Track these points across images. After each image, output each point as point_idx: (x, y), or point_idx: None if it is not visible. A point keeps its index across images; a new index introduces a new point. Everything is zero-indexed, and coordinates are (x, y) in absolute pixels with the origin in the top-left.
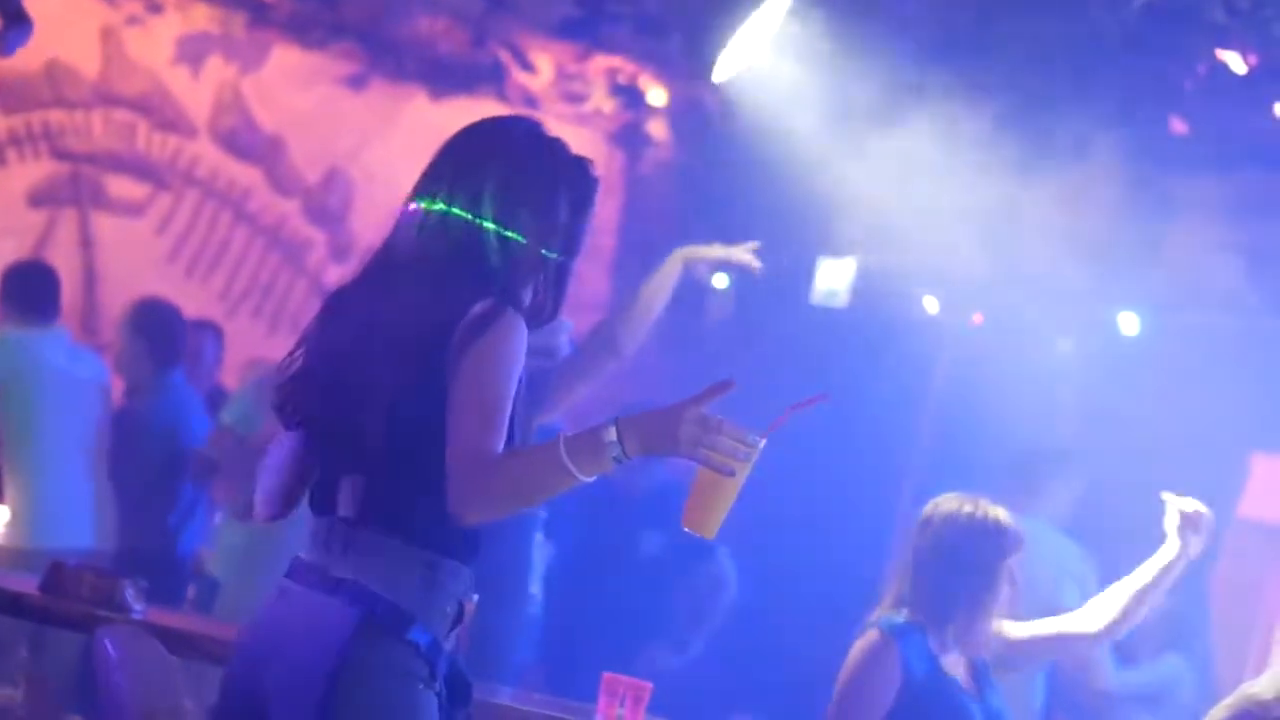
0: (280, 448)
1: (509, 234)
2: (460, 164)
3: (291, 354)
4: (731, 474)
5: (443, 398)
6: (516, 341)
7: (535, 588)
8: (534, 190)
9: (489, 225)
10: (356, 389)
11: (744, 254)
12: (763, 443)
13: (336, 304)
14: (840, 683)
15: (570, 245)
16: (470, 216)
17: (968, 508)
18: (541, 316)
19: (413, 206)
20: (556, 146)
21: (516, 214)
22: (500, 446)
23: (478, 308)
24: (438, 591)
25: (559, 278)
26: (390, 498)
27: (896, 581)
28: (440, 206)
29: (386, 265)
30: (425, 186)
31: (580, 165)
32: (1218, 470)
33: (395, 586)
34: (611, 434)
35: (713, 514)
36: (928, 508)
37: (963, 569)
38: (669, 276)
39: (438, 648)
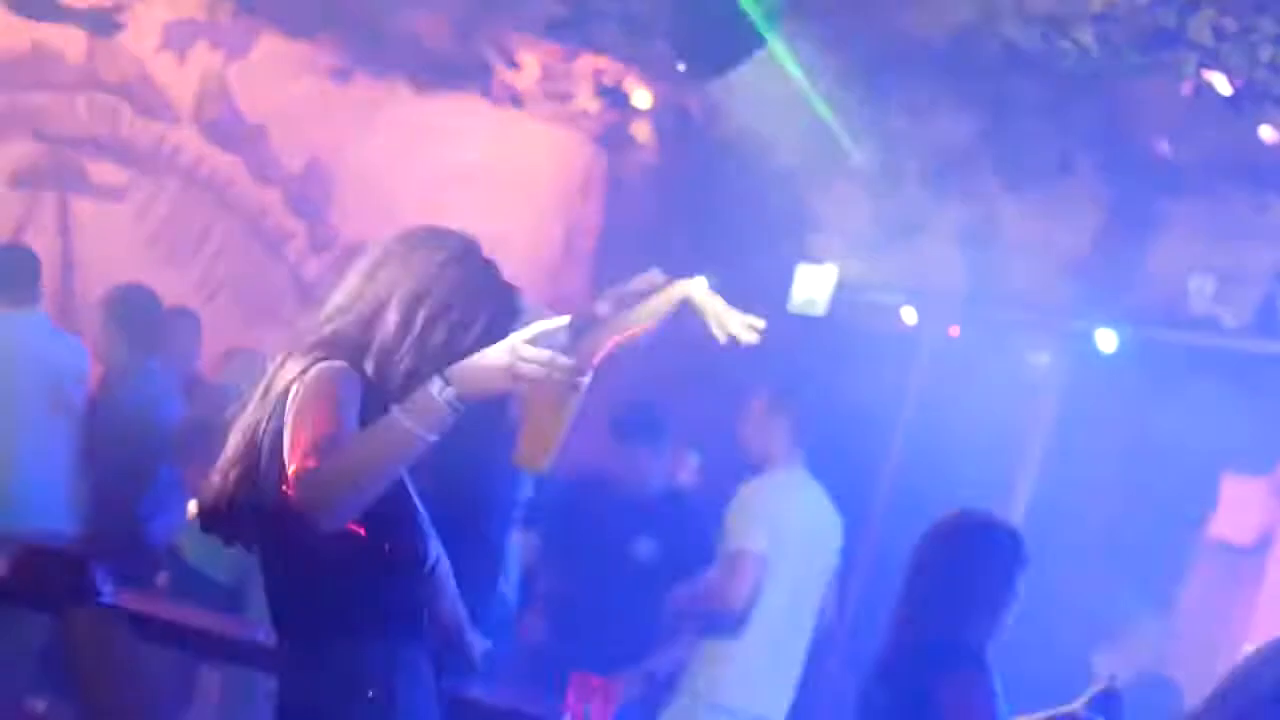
0: None
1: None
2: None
3: None
4: (564, 398)
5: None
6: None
7: (507, 587)
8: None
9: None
10: None
11: (747, 319)
12: (578, 366)
13: None
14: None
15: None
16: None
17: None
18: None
19: None
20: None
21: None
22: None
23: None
24: None
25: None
26: None
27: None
28: None
29: None
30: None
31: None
32: (1188, 490)
33: None
34: (438, 383)
35: (542, 445)
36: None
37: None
38: (662, 309)
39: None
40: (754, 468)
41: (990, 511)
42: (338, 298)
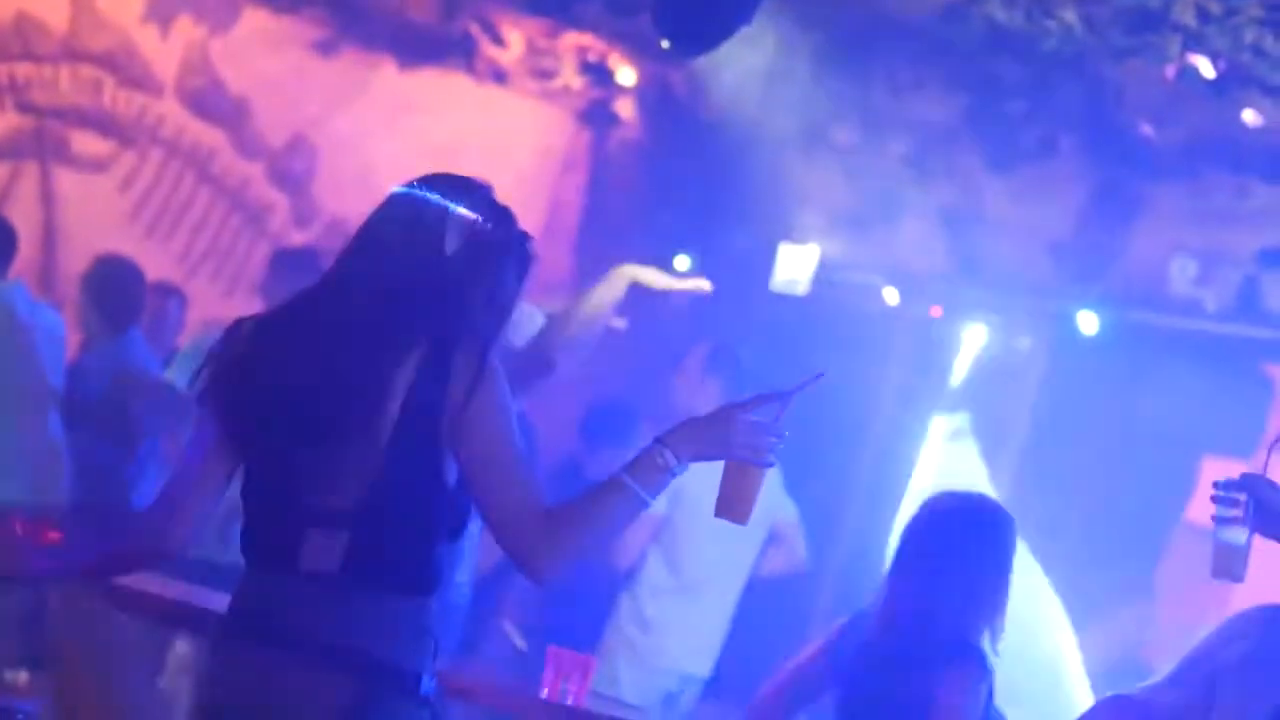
0: (197, 450)
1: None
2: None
3: (238, 360)
4: (771, 465)
5: (430, 441)
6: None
7: (463, 576)
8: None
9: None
10: (343, 431)
11: (694, 283)
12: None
13: (301, 317)
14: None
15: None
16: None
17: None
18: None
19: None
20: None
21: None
22: (542, 496)
23: (459, 359)
24: (426, 636)
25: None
26: (379, 550)
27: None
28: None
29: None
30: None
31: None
32: (1169, 473)
33: (395, 644)
34: (666, 453)
35: (749, 503)
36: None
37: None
38: (612, 293)
39: (438, 691)
40: None
41: (983, 494)
42: None
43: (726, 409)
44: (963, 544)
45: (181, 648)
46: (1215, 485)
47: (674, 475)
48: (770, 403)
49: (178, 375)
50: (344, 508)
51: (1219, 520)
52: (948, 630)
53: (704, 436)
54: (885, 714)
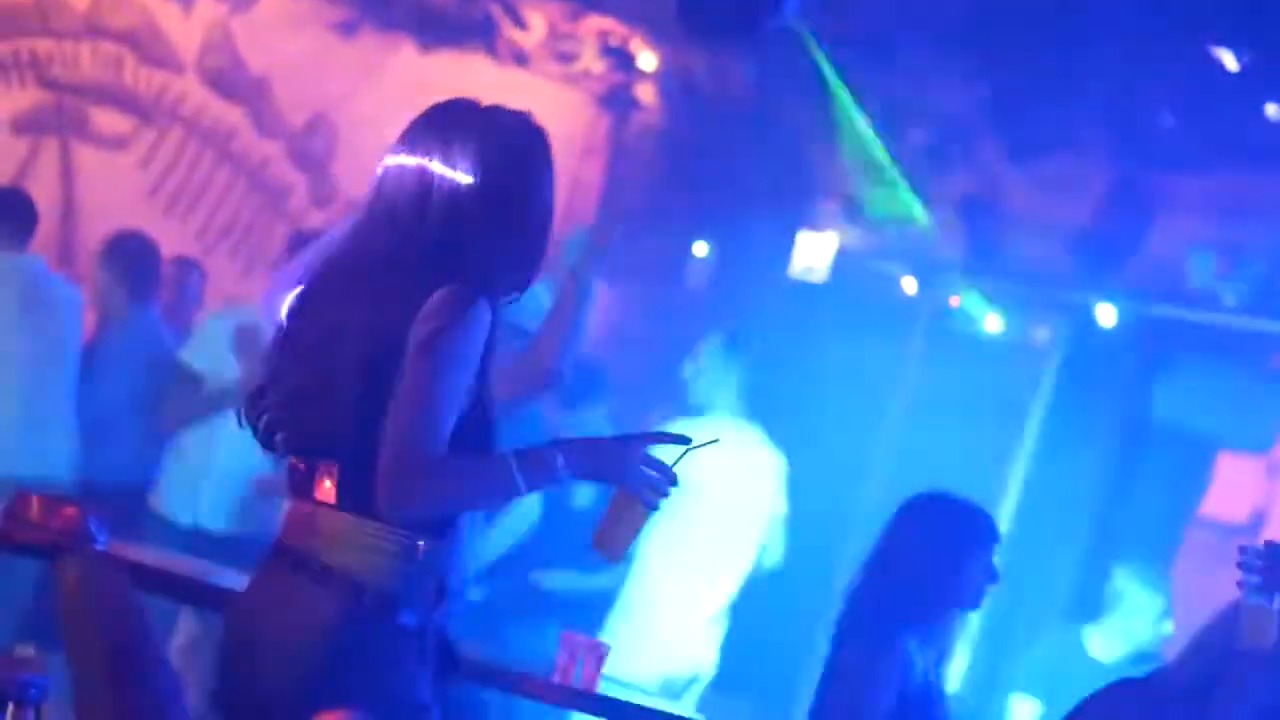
0: None
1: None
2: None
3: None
4: (657, 509)
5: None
6: (469, 330)
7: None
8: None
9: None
10: (325, 388)
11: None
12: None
13: (302, 301)
14: (855, 683)
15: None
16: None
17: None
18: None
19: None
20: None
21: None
22: (439, 445)
23: (435, 296)
24: (420, 571)
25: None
26: (368, 484)
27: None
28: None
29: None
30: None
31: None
32: (1184, 467)
33: (380, 570)
34: (559, 459)
35: (628, 542)
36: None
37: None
38: (570, 295)
39: (425, 625)
40: (695, 409)
41: (949, 493)
42: None
43: (631, 438)
44: (898, 532)
45: (189, 626)
46: (1242, 552)
47: (557, 482)
48: (667, 443)
49: (194, 356)
50: (333, 447)
51: (1247, 587)
52: (865, 608)
53: (603, 458)
54: (820, 684)
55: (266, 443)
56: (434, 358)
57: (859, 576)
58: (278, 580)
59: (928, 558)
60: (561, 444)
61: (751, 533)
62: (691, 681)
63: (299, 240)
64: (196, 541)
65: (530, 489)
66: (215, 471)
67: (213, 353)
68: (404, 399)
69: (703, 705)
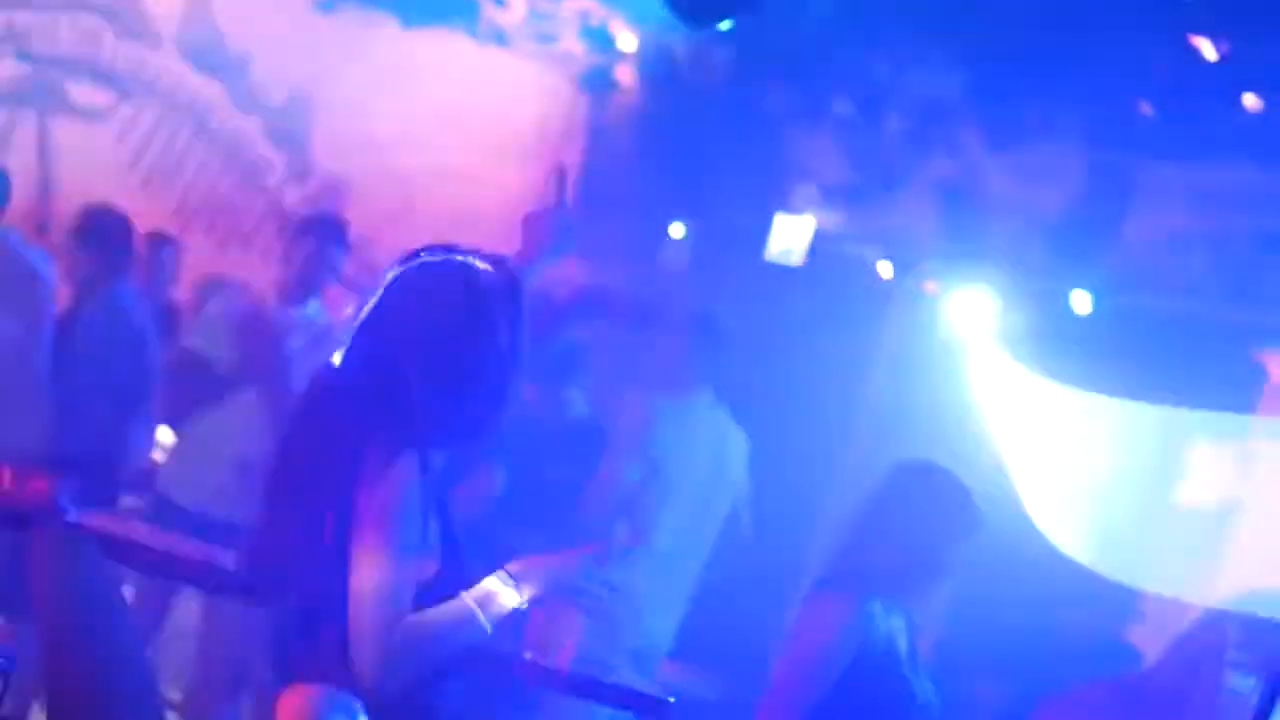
0: None
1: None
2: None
3: None
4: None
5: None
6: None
7: None
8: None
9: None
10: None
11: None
12: None
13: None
14: (799, 644)
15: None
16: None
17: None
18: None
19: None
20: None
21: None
22: (399, 610)
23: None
24: None
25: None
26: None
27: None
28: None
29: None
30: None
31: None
32: (1159, 455)
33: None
34: (514, 589)
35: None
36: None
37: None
38: None
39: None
40: (670, 389)
41: (930, 461)
42: None
43: (571, 558)
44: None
45: (181, 612)
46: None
47: (517, 607)
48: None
49: (199, 339)
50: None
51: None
52: (835, 563)
53: (552, 577)
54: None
55: None
56: (373, 525)
57: (836, 539)
58: None
59: (908, 538)
60: (513, 574)
61: (716, 516)
62: (660, 657)
63: (303, 227)
64: (204, 526)
65: (495, 623)
66: (224, 456)
67: (219, 338)
68: (356, 570)
69: (660, 676)
